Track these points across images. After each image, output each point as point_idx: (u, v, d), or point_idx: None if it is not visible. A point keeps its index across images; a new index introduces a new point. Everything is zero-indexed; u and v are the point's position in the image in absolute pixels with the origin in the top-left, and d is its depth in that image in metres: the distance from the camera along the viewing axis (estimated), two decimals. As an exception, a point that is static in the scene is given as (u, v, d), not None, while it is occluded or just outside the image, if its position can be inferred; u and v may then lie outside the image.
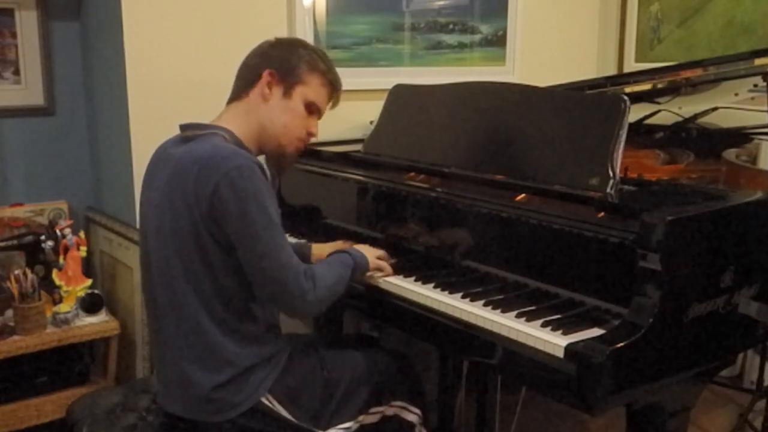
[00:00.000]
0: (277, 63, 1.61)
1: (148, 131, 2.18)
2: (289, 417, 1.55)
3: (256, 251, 1.44)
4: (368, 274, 1.72)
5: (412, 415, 1.71)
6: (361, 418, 1.64)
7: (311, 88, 1.63)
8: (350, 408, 1.63)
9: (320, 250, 1.86)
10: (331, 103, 1.71)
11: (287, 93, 1.61)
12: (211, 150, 1.47)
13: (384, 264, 1.74)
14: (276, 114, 1.61)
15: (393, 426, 1.69)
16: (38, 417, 2.16)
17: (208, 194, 1.42)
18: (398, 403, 1.70)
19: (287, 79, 1.61)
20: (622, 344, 1.26)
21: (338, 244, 1.87)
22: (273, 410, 1.54)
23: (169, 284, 1.50)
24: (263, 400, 1.53)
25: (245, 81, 1.62)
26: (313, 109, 1.66)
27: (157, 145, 1.63)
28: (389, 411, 1.69)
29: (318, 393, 1.60)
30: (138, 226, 1.66)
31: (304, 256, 1.84)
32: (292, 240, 2.00)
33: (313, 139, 1.71)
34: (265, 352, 1.55)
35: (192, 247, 1.46)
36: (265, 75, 1.59)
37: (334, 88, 1.68)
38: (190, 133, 1.55)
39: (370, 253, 1.73)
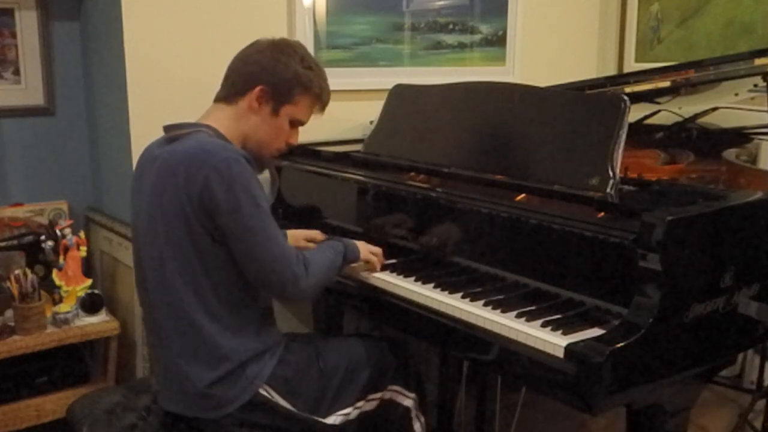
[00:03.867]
0: (271, 80, 1.59)
1: (148, 131, 2.16)
2: (288, 407, 1.56)
3: (248, 241, 1.47)
4: (357, 265, 1.74)
5: (408, 400, 1.73)
6: (359, 404, 1.66)
7: (299, 109, 1.65)
8: (348, 395, 1.64)
9: (294, 236, 1.89)
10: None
11: (275, 111, 1.63)
12: (197, 146, 1.49)
13: (374, 258, 1.75)
14: (261, 128, 1.63)
15: (389, 411, 1.71)
16: (38, 417, 2.16)
17: (198, 188, 1.44)
18: (394, 387, 1.72)
19: (277, 98, 1.61)
20: (622, 344, 1.26)
21: (312, 233, 1.91)
22: (271, 401, 1.55)
23: (162, 282, 1.52)
24: (261, 391, 1.54)
25: (236, 88, 1.61)
26: (296, 124, 1.68)
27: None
28: (386, 395, 1.71)
29: (315, 382, 1.61)
30: (130, 227, 1.67)
31: None
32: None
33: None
34: (260, 344, 1.56)
35: (185, 242, 1.48)
36: (257, 91, 1.59)
37: (322, 105, 1.70)
38: (174, 133, 1.57)
39: (364, 247, 1.75)
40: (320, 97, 1.67)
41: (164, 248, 1.50)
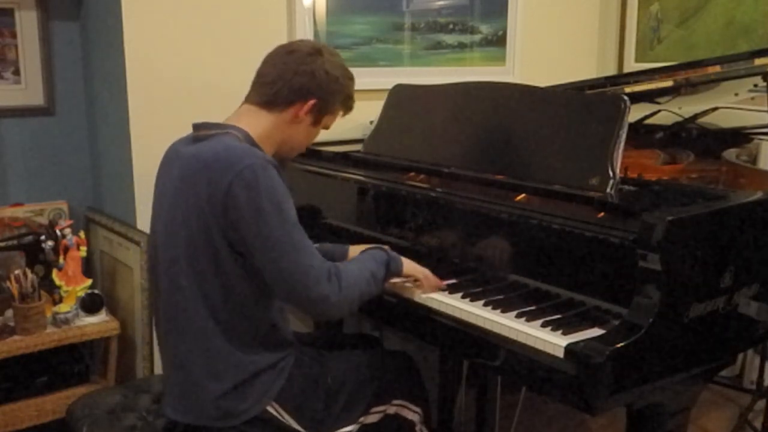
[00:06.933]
0: (323, 96, 1.59)
1: (148, 131, 2.18)
2: (294, 425, 1.54)
3: (273, 252, 1.40)
4: (398, 281, 1.66)
5: (413, 414, 1.71)
6: (362, 419, 1.64)
7: (334, 117, 1.68)
8: (353, 411, 1.63)
9: (357, 251, 1.77)
10: None
11: (316, 121, 1.63)
12: (222, 150, 1.44)
13: (422, 276, 1.65)
14: (299, 135, 1.63)
15: (394, 424, 1.69)
16: (38, 417, 2.16)
17: (221, 196, 1.39)
18: (399, 401, 1.70)
19: (323, 111, 1.62)
20: (622, 344, 1.26)
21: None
22: (278, 418, 1.53)
23: (176, 288, 1.48)
24: (268, 408, 1.52)
25: (283, 98, 1.56)
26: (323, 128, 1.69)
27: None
28: (390, 410, 1.69)
29: (322, 399, 1.59)
30: (147, 225, 1.65)
31: (341, 259, 1.74)
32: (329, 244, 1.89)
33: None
34: (271, 357, 1.53)
35: (202, 249, 1.44)
36: (309, 104, 1.57)
37: (349, 111, 1.71)
38: (201, 132, 1.52)
39: (409, 263, 1.66)
40: (351, 106, 1.69)
41: (180, 252, 1.46)
